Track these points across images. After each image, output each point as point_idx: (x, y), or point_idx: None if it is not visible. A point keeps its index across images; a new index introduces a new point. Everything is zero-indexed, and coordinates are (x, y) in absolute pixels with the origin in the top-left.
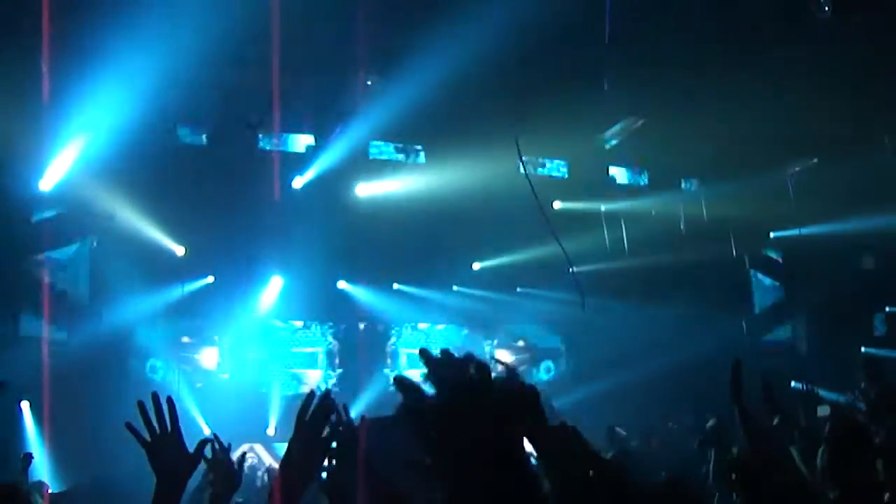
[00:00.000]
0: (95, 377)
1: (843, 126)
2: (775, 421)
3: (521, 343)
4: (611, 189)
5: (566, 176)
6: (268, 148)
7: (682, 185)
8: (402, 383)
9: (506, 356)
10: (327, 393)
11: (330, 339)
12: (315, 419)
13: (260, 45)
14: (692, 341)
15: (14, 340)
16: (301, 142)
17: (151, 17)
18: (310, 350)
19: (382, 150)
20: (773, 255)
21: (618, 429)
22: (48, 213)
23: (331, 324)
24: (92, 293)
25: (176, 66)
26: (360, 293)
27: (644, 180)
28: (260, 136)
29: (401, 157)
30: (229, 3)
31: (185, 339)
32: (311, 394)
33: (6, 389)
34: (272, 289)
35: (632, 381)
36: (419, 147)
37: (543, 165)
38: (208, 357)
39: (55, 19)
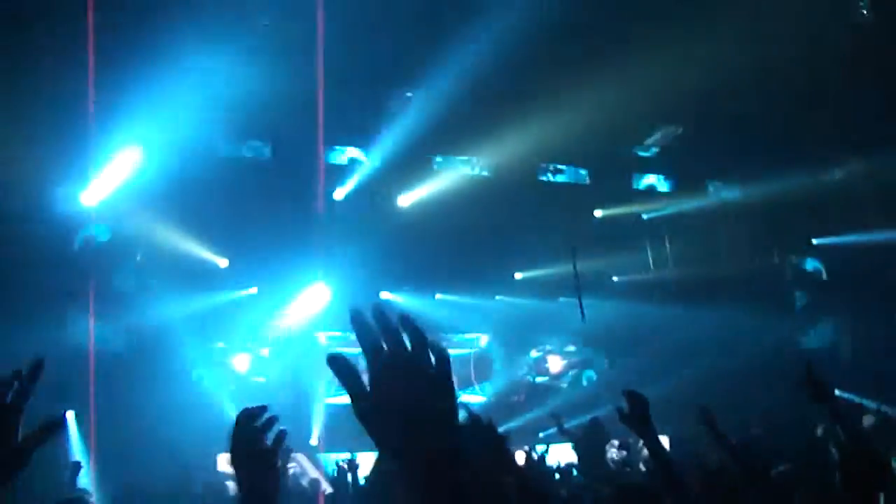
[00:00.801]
0: (142, 384)
1: (888, 129)
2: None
3: (571, 348)
4: (640, 196)
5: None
6: (311, 160)
7: (720, 192)
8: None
9: (557, 361)
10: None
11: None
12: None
13: (304, 58)
14: (734, 348)
15: (62, 346)
16: (344, 154)
17: (192, 35)
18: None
19: (433, 160)
20: (814, 261)
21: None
22: (94, 230)
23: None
24: (136, 304)
25: (220, 81)
26: (402, 303)
27: (671, 186)
28: (302, 148)
29: (462, 167)
30: (274, 16)
31: (220, 345)
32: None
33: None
34: (315, 299)
35: (675, 388)
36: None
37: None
38: (241, 362)
39: (102, 32)
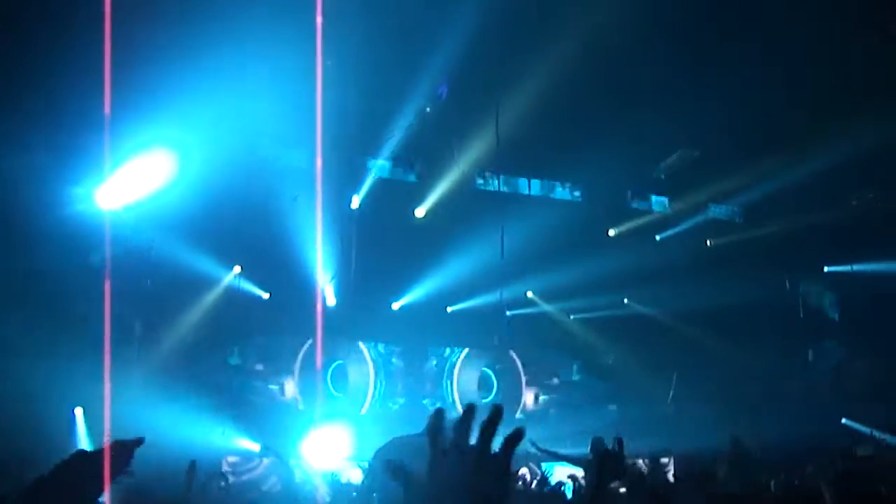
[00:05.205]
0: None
1: None
2: None
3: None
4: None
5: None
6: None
7: (734, 217)
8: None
9: None
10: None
11: (388, 358)
12: None
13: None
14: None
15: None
16: (360, 164)
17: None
18: (364, 369)
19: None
20: (826, 289)
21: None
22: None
23: (385, 344)
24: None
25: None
26: (413, 314)
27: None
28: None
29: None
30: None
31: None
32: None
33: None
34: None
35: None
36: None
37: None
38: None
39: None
